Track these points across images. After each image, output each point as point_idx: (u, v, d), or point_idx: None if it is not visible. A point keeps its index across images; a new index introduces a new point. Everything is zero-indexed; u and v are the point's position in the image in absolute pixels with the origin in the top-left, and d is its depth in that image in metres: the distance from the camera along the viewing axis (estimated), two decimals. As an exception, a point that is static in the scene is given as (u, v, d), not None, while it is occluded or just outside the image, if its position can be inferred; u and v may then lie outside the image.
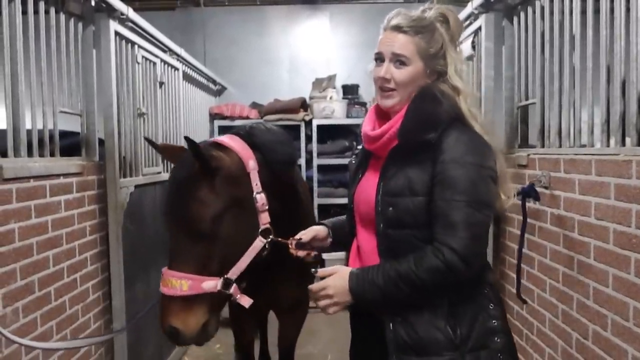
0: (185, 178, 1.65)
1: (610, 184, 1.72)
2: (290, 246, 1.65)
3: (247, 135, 1.84)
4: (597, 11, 2.00)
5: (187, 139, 1.60)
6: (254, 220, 1.72)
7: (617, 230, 1.70)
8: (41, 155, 2.29)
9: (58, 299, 2.30)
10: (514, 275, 2.57)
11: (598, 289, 1.83)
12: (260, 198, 1.73)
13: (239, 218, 1.68)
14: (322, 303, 1.41)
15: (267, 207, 1.73)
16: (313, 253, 1.69)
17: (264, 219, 1.73)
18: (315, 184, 5.33)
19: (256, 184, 1.73)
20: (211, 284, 1.60)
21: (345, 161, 5.36)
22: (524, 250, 2.31)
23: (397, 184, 1.38)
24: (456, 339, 1.34)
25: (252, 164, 1.75)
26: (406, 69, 1.41)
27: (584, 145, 2.09)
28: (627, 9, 1.78)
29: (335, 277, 1.41)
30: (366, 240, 1.50)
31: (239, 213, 1.68)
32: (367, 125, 1.53)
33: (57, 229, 2.29)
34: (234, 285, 1.66)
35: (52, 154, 2.37)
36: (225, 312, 4.44)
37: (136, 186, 2.96)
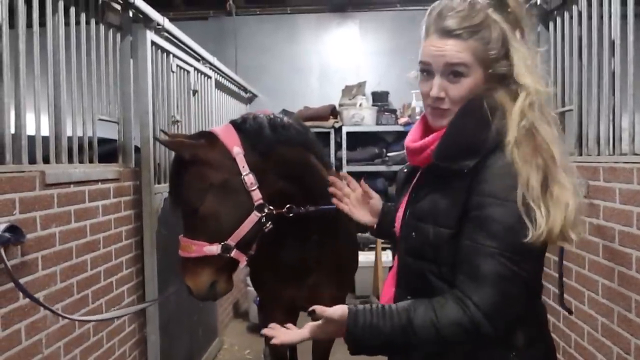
0: (175, 166, 2.02)
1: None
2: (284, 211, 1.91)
3: (240, 123, 2.03)
4: (637, 15, 1.95)
5: (155, 138, 2.02)
6: (245, 198, 1.93)
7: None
8: (81, 161, 2.36)
9: (95, 302, 2.35)
10: (550, 287, 2.52)
11: (641, 302, 1.77)
12: (249, 179, 1.92)
13: (224, 196, 1.90)
14: (300, 334, 1.29)
15: (256, 187, 1.92)
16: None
17: (256, 196, 1.93)
18: (344, 191, 5.31)
19: (243, 167, 1.92)
20: (212, 248, 1.89)
21: (374, 168, 5.36)
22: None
23: (424, 207, 1.18)
24: None
25: (236, 150, 1.92)
26: (464, 82, 1.16)
27: (625, 154, 2.03)
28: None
29: (332, 317, 1.17)
30: (397, 259, 1.35)
31: (224, 192, 1.90)
32: (410, 135, 1.32)
33: (95, 233, 2.35)
34: (235, 250, 1.91)
35: (90, 160, 2.45)
36: (255, 317, 4.47)
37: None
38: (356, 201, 1.72)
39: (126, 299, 2.66)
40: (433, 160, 1.17)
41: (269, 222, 1.97)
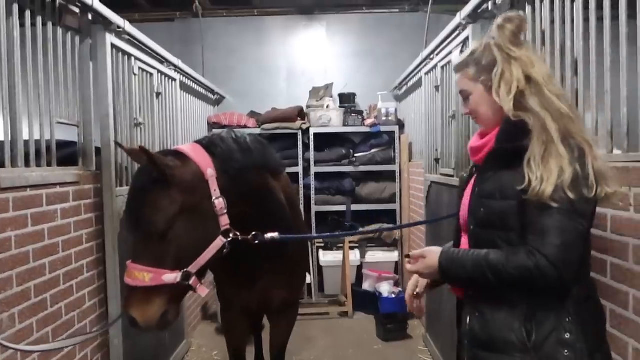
0: (143, 184, 1.79)
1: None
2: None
3: (208, 144, 1.95)
4: (586, 20, 2.03)
5: (142, 149, 1.72)
6: (213, 222, 1.84)
7: (595, 235, 1.73)
8: (38, 165, 2.34)
9: (54, 306, 2.34)
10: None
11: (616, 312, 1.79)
12: (219, 202, 1.84)
13: (194, 221, 1.79)
14: (412, 267, 1.57)
15: (226, 211, 1.85)
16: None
17: (224, 221, 1.85)
18: (312, 192, 5.38)
19: (214, 190, 1.84)
20: (171, 277, 1.73)
21: (342, 169, 5.42)
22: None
23: (490, 186, 1.44)
24: (529, 343, 1.36)
25: (210, 172, 1.85)
26: (471, 99, 1.55)
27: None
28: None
29: (430, 250, 1.55)
30: (465, 244, 1.59)
31: (194, 216, 1.80)
32: (472, 142, 1.63)
33: (53, 237, 2.34)
34: (194, 277, 1.78)
35: (49, 164, 2.43)
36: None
37: (132, 195, 3.01)
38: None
39: (88, 303, 2.65)
40: (494, 144, 1.47)
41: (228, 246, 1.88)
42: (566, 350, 1.35)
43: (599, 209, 1.70)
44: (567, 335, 1.36)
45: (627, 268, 1.60)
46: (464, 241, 1.60)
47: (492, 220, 1.43)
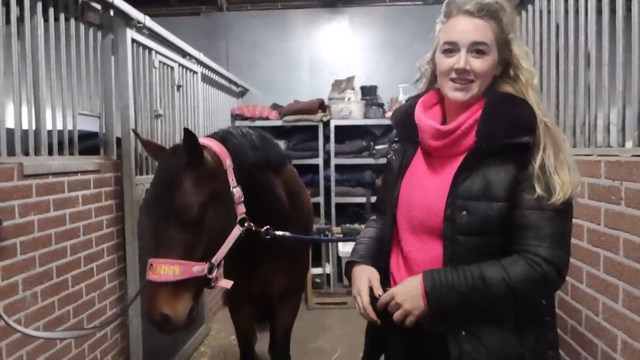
0: (174, 170, 1.76)
1: (584, 184, 1.77)
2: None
3: (222, 139, 2.01)
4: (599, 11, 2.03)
5: (186, 130, 1.70)
6: (233, 211, 1.91)
7: (589, 228, 1.75)
8: (61, 154, 2.49)
9: (75, 286, 2.49)
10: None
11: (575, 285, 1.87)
12: (237, 191, 1.91)
13: (220, 208, 1.84)
14: (396, 315, 1.30)
15: (242, 199, 1.92)
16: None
17: (241, 210, 1.92)
18: (332, 183, 5.44)
19: (232, 179, 1.91)
20: (200, 268, 1.71)
21: (362, 161, 5.46)
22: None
23: (473, 187, 1.26)
24: (525, 354, 1.27)
25: (228, 162, 1.92)
26: (486, 59, 1.28)
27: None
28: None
29: (404, 282, 1.30)
30: (420, 249, 1.36)
31: (220, 204, 1.84)
32: (428, 118, 1.38)
33: (74, 221, 2.49)
34: (216, 270, 1.79)
35: (71, 154, 2.57)
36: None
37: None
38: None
39: (107, 284, 2.80)
40: (480, 142, 1.27)
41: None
42: (551, 350, 1.31)
43: (593, 203, 1.73)
44: (551, 336, 1.31)
45: (618, 261, 1.62)
46: (409, 249, 1.37)
47: (479, 226, 1.25)
